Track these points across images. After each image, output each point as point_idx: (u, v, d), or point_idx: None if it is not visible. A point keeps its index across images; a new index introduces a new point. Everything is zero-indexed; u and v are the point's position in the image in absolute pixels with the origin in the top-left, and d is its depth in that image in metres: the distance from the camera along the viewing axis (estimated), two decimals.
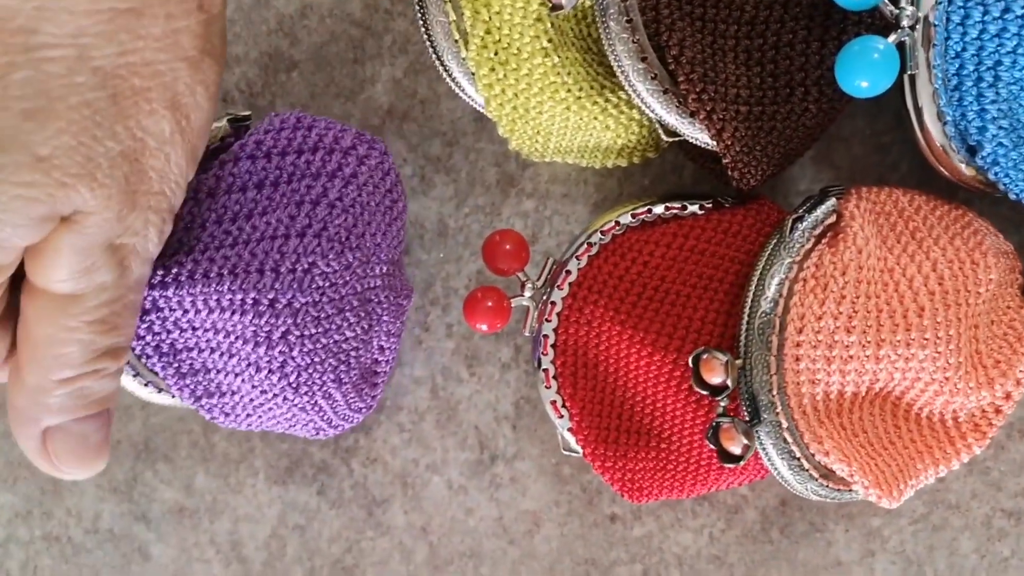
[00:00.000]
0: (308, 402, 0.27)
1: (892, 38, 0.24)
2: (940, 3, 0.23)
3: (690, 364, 0.25)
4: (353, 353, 0.28)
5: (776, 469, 0.26)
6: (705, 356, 0.24)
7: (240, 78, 0.33)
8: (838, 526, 0.31)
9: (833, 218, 0.26)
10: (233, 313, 0.25)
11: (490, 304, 0.28)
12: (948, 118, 0.25)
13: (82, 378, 0.24)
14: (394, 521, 0.33)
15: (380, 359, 0.30)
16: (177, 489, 0.34)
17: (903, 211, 0.27)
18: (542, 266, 0.29)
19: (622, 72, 0.25)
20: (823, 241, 0.26)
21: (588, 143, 0.29)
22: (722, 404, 0.25)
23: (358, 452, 0.33)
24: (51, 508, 0.35)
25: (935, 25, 0.23)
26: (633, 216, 0.29)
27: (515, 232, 0.29)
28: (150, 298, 0.26)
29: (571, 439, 0.30)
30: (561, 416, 0.29)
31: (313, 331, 0.25)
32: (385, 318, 0.29)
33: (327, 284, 0.25)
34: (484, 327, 0.29)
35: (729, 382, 0.24)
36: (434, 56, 0.27)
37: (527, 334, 0.30)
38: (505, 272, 0.29)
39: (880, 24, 0.25)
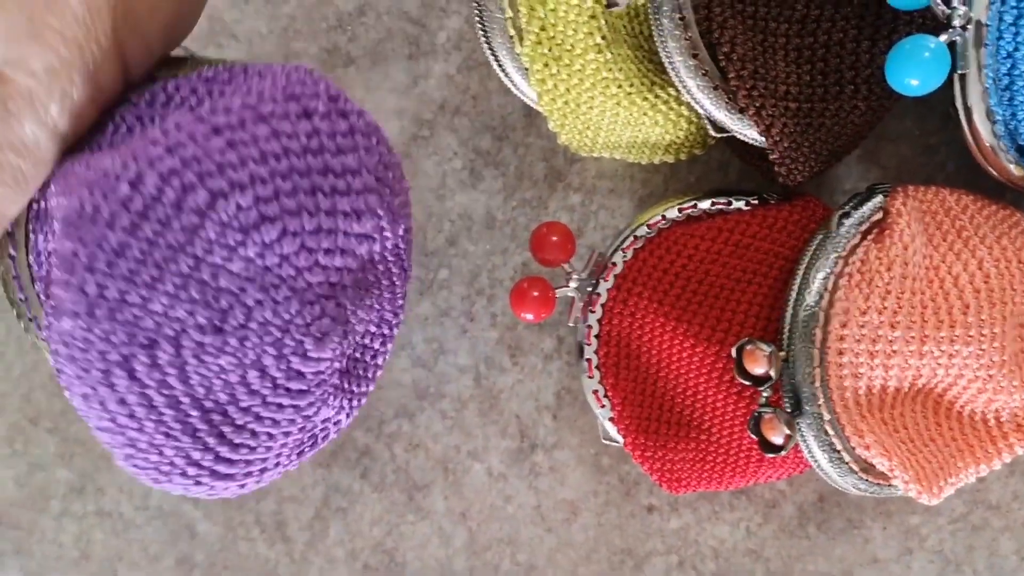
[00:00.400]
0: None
1: (943, 37, 0.24)
2: (993, 3, 0.24)
3: (733, 354, 0.25)
4: None
5: (816, 461, 0.26)
6: (749, 347, 0.25)
7: None
8: (876, 523, 0.32)
9: (879, 215, 0.26)
10: None
11: (536, 294, 0.29)
12: (998, 117, 0.25)
13: None
14: (434, 506, 0.34)
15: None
16: None
17: (950, 210, 0.27)
18: (587, 258, 0.30)
19: (673, 68, 0.26)
20: (869, 237, 0.26)
21: (636, 139, 0.29)
22: (764, 395, 0.25)
23: (401, 437, 0.34)
24: (104, 484, 0.37)
25: (987, 25, 0.24)
26: (679, 211, 0.29)
27: (562, 224, 0.29)
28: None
29: (612, 429, 0.30)
30: (603, 406, 0.30)
31: None
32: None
33: None
34: (530, 316, 0.29)
35: (772, 373, 0.24)
36: (489, 52, 0.28)
37: (571, 324, 0.30)
38: (551, 263, 0.29)
39: (931, 24, 0.25)
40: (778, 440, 0.25)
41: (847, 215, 0.26)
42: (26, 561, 0.37)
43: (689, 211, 0.29)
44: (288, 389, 0.22)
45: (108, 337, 0.20)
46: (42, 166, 0.21)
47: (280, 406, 0.23)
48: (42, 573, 0.37)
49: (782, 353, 0.25)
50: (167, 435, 0.22)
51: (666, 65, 0.26)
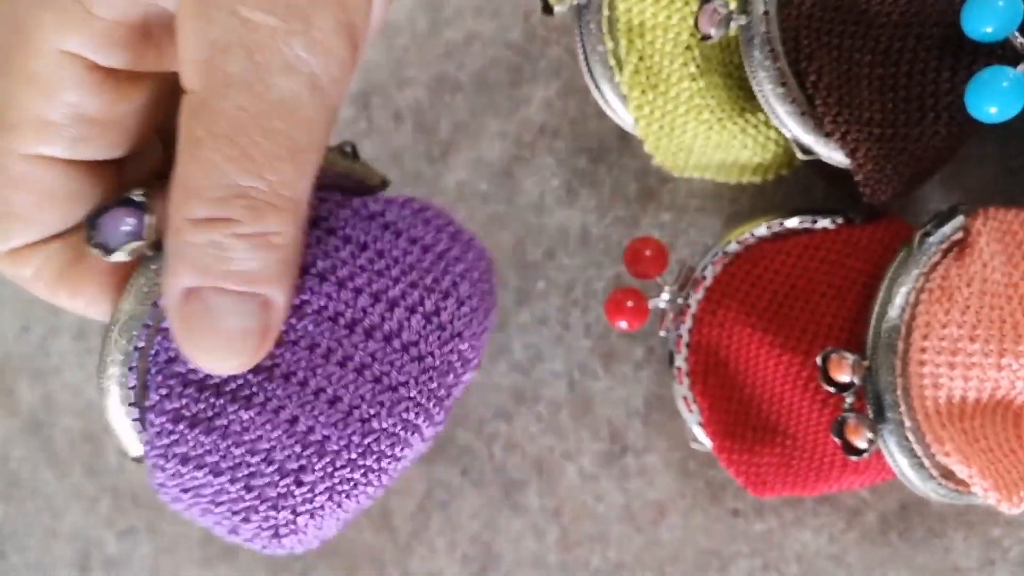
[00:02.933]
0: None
1: (1021, 68, 0.25)
2: None
3: (819, 363, 0.27)
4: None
5: (898, 466, 0.28)
6: (834, 355, 0.26)
7: (411, 98, 0.38)
8: (957, 533, 0.33)
9: (960, 234, 0.28)
10: None
11: (630, 304, 0.31)
12: None
13: (215, 224, 0.19)
14: (529, 503, 0.36)
15: None
16: None
17: None
18: (678, 272, 0.32)
19: (763, 96, 0.28)
20: (950, 255, 0.27)
21: (726, 160, 0.31)
22: (848, 401, 0.27)
23: (499, 438, 0.37)
24: None
25: None
26: (767, 228, 0.31)
27: (656, 240, 0.32)
28: None
29: (700, 433, 0.32)
30: (691, 411, 0.32)
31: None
32: None
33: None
34: (624, 325, 0.32)
35: (856, 380, 0.26)
36: (590, 80, 0.30)
37: (663, 334, 0.32)
38: (644, 276, 0.32)
39: (1010, 55, 0.26)
40: (861, 444, 0.26)
41: (929, 234, 0.27)
42: (157, 539, 0.41)
43: (776, 228, 0.31)
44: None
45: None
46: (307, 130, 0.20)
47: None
48: (171, 549, 0.41)
49: (865, 362, 0.27)
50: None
51: (756, 93, 0.28)
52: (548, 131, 0.36)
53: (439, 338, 0.24)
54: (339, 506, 0.24)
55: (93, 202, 0.21)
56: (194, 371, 0.22)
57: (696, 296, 0.31)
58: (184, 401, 0.22)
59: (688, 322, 0.31)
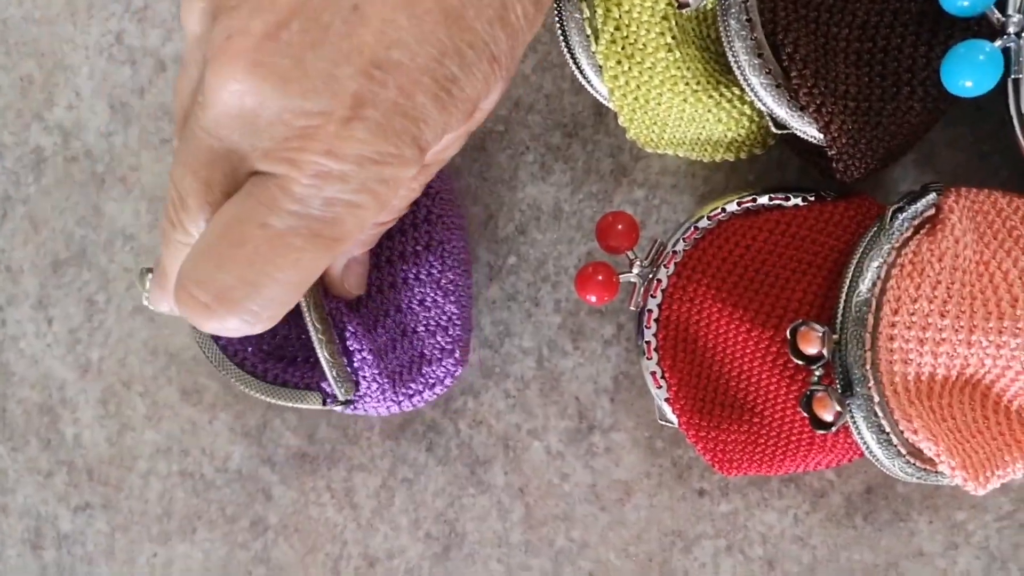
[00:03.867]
0: (451, 281, 0.33)
1: (998, 43, 0.25)
2: None
3: (788, 335, 0.27)
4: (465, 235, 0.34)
5: (865, 442, 0.27)
6: (803, 328, 0.26)
7: None
8: (922, 516, 0.32)
9: (932, 211, 0.28)
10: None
11: (600, 278, 0.31)
12: None
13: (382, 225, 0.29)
14: (494, 480, 0.36)
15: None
16: (301, 437, 0.38)
17: (1001, 210, 0.28)
18: (649, 247, 0.32)
19: (738, 67, 0.27)
20: (921, 232, 0.27)
21: (700, 136, 0.31)
22: (816, 375, 0.27)
23: (465, 414, 0.36)
24: (188, 447, 0.39)
25: None
26: (738, 204, 0.31)
27: (628, 214, 0.31)
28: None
29: (668, 409, 0.32)
30: (660, 387, 0.32)
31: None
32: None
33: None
34: (593, 299, 0.31)
35: (825, 352, 0.26)
36: (565, 50, 0.30)
37: (632, 308, 0.32)
38: (616, 250, 0.31)
39: (986, 31, 0.26)
40: (828, 417, 0.26)
41: (901, 209, 0.27)
42: (113, 515, 0.40)
43: (748, 205, 0.31)
44: None
45: None
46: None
47: None
48: (127, 527, 0.40)
49: (835, 336, 0.27)
50: None
51: (732, 64, 0.27)
52: (523, 106, 0.36)
53: None
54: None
55: None
56: None
57: (667, 271, 0.31)
58: None
59: (658, 297, 0.31)
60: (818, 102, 0.27)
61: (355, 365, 0.32)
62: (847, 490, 0.33)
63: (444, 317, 0.33)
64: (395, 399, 0.33)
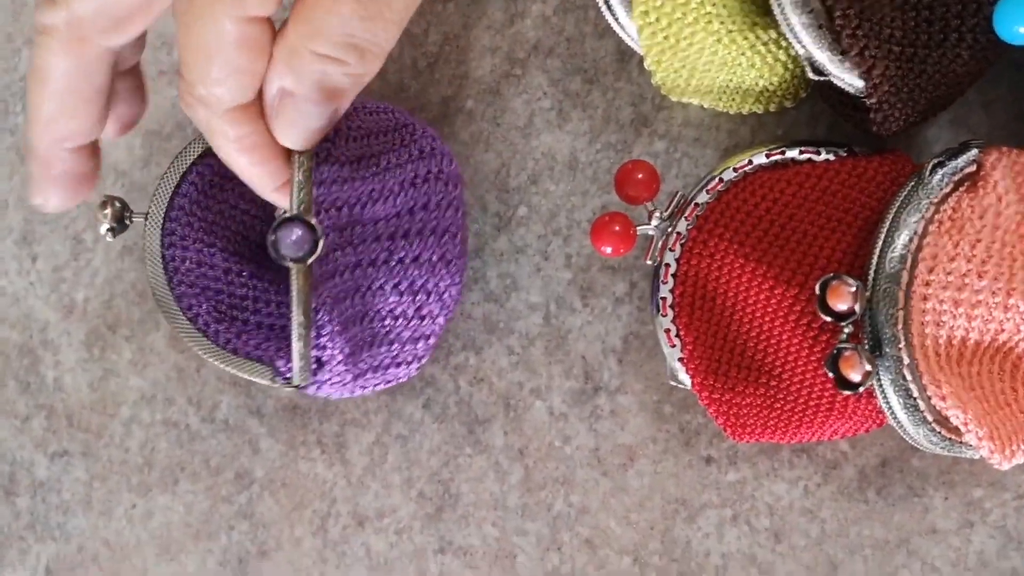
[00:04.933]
0: (453, 298, 0.30)
1: None
2: None
3: (817, 290, 0.25)
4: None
5: (890, 407, 0.26)
6: (835, 282, 0.25)
7: None
8: (938, 492, 0.31)
9: (973, 168, 0.26)
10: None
11: (617, 228, 0.30)
12: None
13: (328, 61, 0.25)
14: (493, 441, 0.35)
15: None
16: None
17: None
18: (669, 200, 0.30)
19: (778, 4, 0.26)
20: (961, 188, 0.26)
21: (730, 83, 0.29)
22: (846, 332, 0.25)
23: (466, 370, 0.35)
24: (173, 395, 0.38)
25: None
26: (766, 156, 0.29)
27: (648, 163, 0.30)
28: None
29: (680, 370, 0.30)
30: (673, 346, 0.30)
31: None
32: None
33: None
34: (609, 250, 0.30)
35: (856, 308, 0.24)
36: None
37: (648, 263, 0.31)
38: (635, 200, 0.30)
39: None
40: (856, 377, 0.25)
41: (941, 164, 0.26)
42: (92, 463, 0.38)
43: (777, 157, 0.29)
44: None
45: None
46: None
47: None
48: (106, 476, 0.38)
49: (867, 293, 0.25)
50: None
51: (772, 1, 0.26)
52: (542, 49, 0.34)
53: None
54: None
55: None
56: None
57: (687, 224, 0.30)
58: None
59: (677, 251, 0.30)
60: (861, 45, 0.25)
61: (323, 360, 0.30)
62: (861, 462, 0.32)
63: (425, 329, 0.32)
64: (351, 391, 0.32)
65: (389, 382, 0.33)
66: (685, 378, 0.30)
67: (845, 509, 0.32)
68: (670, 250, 0.30)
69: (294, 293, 0.28)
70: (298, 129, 0.27)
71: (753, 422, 0.29)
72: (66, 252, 0.39)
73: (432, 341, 0.32)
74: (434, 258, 0.31)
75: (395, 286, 0.31)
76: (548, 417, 0.34)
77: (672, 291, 0.30)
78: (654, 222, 0.30)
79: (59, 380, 0.39)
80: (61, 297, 0.39)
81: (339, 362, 0.30)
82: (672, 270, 0.30)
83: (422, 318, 0.31)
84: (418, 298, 0.31)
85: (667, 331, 0.30)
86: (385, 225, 0.31)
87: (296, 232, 0.27)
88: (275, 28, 0.26)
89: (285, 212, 0.28)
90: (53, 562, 0.39)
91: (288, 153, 0.28)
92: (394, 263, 0.31)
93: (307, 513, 0.36)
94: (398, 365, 0.32)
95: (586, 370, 0.34)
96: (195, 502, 0.37)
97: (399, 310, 0.31)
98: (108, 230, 0.32)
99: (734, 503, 0.33)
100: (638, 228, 0.30)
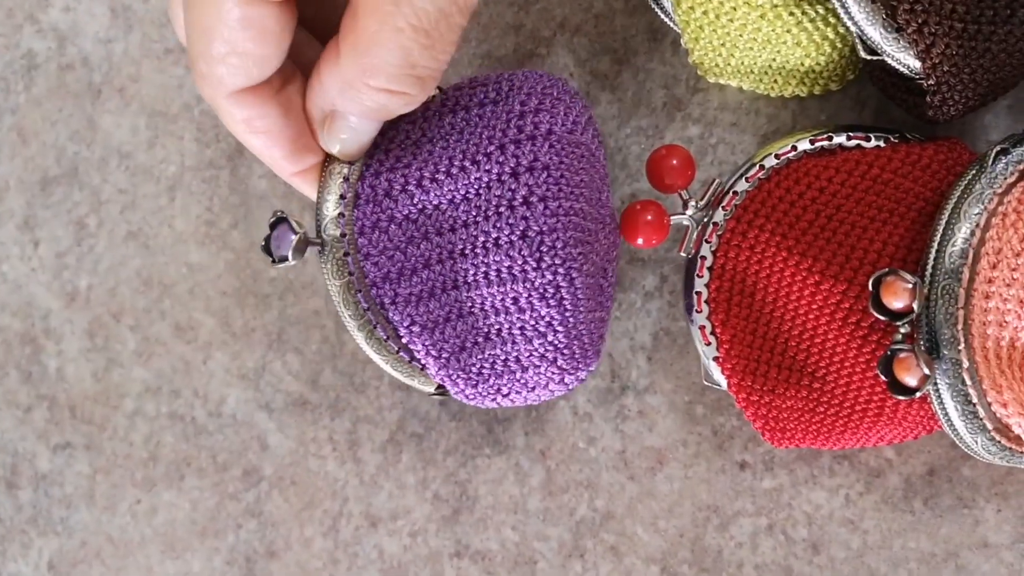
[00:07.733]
0: (549, 283, 0.25)
1: None
2: None
3: (870, 286, 0.23)
4: (590, 218, 0.26)
5: (946, 413, 0.24)
6: (890, 277, 0.23)
7: None
8: (989, 504, 0.29)
9: None
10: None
11: (650, 218, 0.28)
12: None
13: (387, 94, 0.25)
14: (513, 441, 0.33)
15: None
16: (303, 382, 0.35)
17: None
18: (705, 187, 0.28)
19: None
20: None
21: (772, 63, 0.28)
22: (901, 332, 0.23)
23: None
24: (179, 387, 0.36)
25: None
26: (811, 142, 0.27)
27: (683, 148, 0.28)
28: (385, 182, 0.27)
29: (715, 370, 0.28)
30: (708, 344, 0.28)
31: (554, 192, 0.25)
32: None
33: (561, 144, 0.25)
34: (640, 241, 0.28)
35: (915, 306, 0.22)
36: None
37: (682, 255, 0.29)
38: (668, 188, 0.28)
39: None
40: (912, 382, 0.23)
41: (1005, 152, 0.24)
42: (95, 456, 0.37)
43: (823, 143, 0.27)
44: None
45: None
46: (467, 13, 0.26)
47: None
48: (109, 470, 0.37)
49: (924, 290, 0.23)
50: None
51: None
52: (569, 26, 0.32)
53: None
54: None
55: (290, 38, 0.25)
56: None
57: (725, 214, 0.28)
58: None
59: (713, 242, 0.28)
60: (919, 20, 0.23)
61: (423, 363, 0.28)
62: (907, 471, 0.30)
63: (542, 322, 0.27)
64: (493, 401, 0.28)
65: (532, 389, 0.28)
66: (720, 378, 0.28)
67: (889, 520, 0.30)
68: (706, 242, 0.28)
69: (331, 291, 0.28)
70: (348, 143, 0.27)
71: (793, 426, 0.28)
72: (69, 238, 0.37)
73: (558, 338, 0.27)
74: (535, 233, 0.26)
75: (484, 276, 0.27)
76: (572, 417, 0.32)
77: (708, 285, 0.28)
78: (689, 211, 0.28)
79: (61, 370, 0.38)
80: (64, 284, 0.37)
81: (440, 367, 0.28)
82: (708, 263, 0.28)
83: (522, 310, 0.27)
84: (512, 287, 0.26)
85: (702, 328, 0.28)
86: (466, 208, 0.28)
87: (280, 229, 0.27)
88: (293, 16, 0.25)
89: (281, 212, 0.27)
90: (56, 557, 0.37)
91: (313, 138, 0.27)
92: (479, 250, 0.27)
93: (317, 513, 0.34)
94: (525, 369, 0.27)
95: (613, 368, 0.32)
96: (201, 499, 0.36)
97: (494, 303, 0.27)
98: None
99: (770, 512, 0.31)
100: (672, 218, 0.28)
